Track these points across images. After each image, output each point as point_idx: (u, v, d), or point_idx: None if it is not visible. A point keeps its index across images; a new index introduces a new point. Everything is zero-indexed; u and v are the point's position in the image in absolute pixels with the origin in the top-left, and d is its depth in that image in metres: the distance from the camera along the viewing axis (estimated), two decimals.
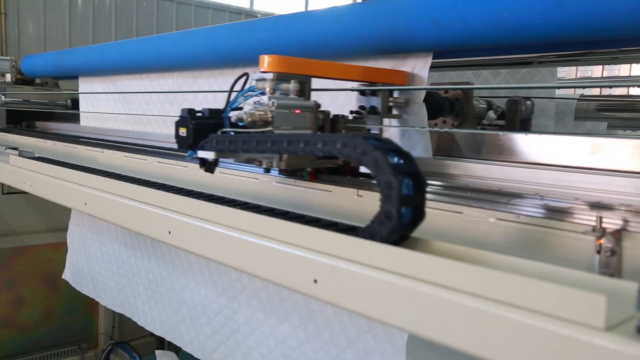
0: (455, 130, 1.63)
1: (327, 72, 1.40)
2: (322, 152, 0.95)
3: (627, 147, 1.17)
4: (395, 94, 1.52)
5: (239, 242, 1.00)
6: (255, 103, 1.19)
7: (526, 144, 1.34)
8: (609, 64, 4.70)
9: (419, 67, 1.52)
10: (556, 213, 0.92)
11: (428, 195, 1.11)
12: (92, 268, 2.79)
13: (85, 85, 3.22)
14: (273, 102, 1.15)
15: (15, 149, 2.16)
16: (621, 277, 0.84)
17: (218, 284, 1.99)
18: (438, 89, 1.80)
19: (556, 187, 1.15)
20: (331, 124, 1.33)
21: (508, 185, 1.21)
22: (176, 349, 4.08)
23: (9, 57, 3.77)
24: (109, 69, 2.88)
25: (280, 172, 1.36)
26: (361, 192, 1.23)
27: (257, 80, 1.22)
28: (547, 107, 2.54)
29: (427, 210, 1.10)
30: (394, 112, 1.54)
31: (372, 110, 1.47)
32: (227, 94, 1.26)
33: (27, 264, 3.94)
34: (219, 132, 1.19)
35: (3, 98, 3.47)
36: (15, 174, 1.98)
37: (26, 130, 3.39)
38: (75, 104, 3.52)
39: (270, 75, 1.22)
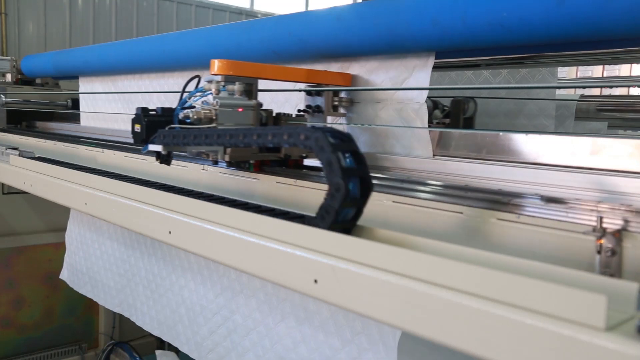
0: (455, 130, 1.63)
1: (272, 74, 1.54)
2: (243, 144, 1.14)
3: (627, 147, 1.17)
4: (342, 94, 1.69)
5: (239, 242, 1.00)
6: (203, 102, 1.33)
7: (526, 143, 1.34)
8: (609, 63, 4.70)
9: (421, 67, 1.52)
10: (556, 213, 0.92)
11: (428, 196, 1.11)
12: (91, 268, 2.79)
13: (85, 85, 3.22)
14: (217, 102, 1.30)
15: (16, 149, 2.15)
16: (621, 277, 0.84)
17: (217, 284, 1.99)
18: (432, 89, 1.81)
19: (556, 187, 1.15)
20: (274, 121, 1.46)
21: (508, 185, 1.21)
22: (176, 349, 4.08)
23: (9, 57, 3.77)
24: (109, 69, 2.88)
25: (228, 164, 1.49)
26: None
27: (207, 82, 1.38)
28: (547, 107, 2.54)
29: (427, 210, 1.10)
30: (340, 110, 1.69)
31: (317, 109, 1.62)
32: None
33: (28, 264, 3.94)
34: (166, 128, 1.34)
35: (3, 98, 3.47)
36: (16, 174, 1.98)
37: (26, 130, 3.39)
38: (75, 104, 3.53)
39: (217, 78, 1.37)
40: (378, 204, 1.19)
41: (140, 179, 1.59)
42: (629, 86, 4.22)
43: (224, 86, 1.36)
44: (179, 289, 2.17)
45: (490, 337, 0.63)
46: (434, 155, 1.48)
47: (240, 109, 1.33)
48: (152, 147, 1.34)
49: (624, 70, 5.84)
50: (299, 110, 1.63)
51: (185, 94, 1.40)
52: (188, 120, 1.30)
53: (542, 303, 0.61)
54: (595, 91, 3.90)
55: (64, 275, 3.04)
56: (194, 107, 1.34)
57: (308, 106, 1.64)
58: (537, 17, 1.19)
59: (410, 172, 1.44)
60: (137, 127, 1.42)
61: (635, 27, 1.09)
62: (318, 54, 1.73)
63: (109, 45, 2.92)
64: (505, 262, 0.75)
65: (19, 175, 1.95)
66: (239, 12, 8.66)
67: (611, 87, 4.79)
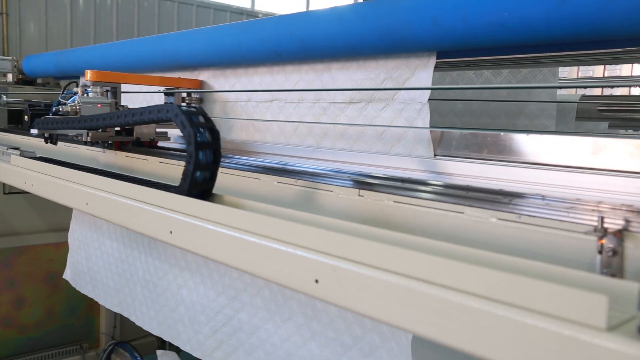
0: (455, 130, 1.63)
1: (132, 80, 2.06)
2: (89, 127, 1.76)
3: (628, 147, 1.16)
4: (193, 94, 2.19)
5: (240, 242, 1.00)
6: (72, 100, 1.89)
7: (527, 143, 1.34)
8: (610, 64, 4.69)
9: (422, 67, 1.52)
10: (557, 213, 0.92)
11: (429, 196, 1.11)
12: (91, 268, 2.79)
13: None
14: (80, 100, 1.87)
15: (17, 148, 2.15)
16: (623, 277, 0.84)
17: (218, 283, 1.99)
18: (433, 89, 1.80)
19: (558, 187, 1.15)
20: None
21: (509, 185, 1.21)
22: (177, 349, 4.07)
23: (10, 57, 3.77)
24: (110, 69, 2.88)
25: (92, 144, 1.95)
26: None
27: (81, 86, 1.93)
28: (549, 107, 2.54)
29: (428, 210, 1.10)
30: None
31: None
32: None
33: (28, 264, 3.94)
34: (42, 118, 1.90)
35: (4, 98, 3.48)
36: (17, 173, 1.98)
37: (27, 130, 3.39)
38: None
39: (88, 83, 1.93)
40: (378, 204, 1.19)
41: (142, 179, 1.59)
42: (630, 86, 4.21)
43: (90, 89, 1.90)
44: (177, 288, 2.17)
45: (491, 337, 0.63)
46: (435, 155, 1.48)
47: (99, 105, 1.88)
48: (33, 131, 1.93)
49: (625, 70, 5.83)
50: None
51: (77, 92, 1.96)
52: (60, 113, 1.84)
53: (543, 303, 0.61)
54: (597, 91, 3.89)
55: (67, 275, 3.04)
56: (65, 103, 1.89)
57: (165, 104, 2.09)
58: (538, 17, 1.19)
59: (410, 172, 1.44)
60: (26, 118, 2.16)
61: (636, 27, 1.09)
62: (319, 54, 1.73)
63: (110, 45, 2.92)
64: (505, 262, 0.75)
65: (20, 175, 1.95)
66: (240, 12, 8.66)
67: (612, 87, 4.79)
